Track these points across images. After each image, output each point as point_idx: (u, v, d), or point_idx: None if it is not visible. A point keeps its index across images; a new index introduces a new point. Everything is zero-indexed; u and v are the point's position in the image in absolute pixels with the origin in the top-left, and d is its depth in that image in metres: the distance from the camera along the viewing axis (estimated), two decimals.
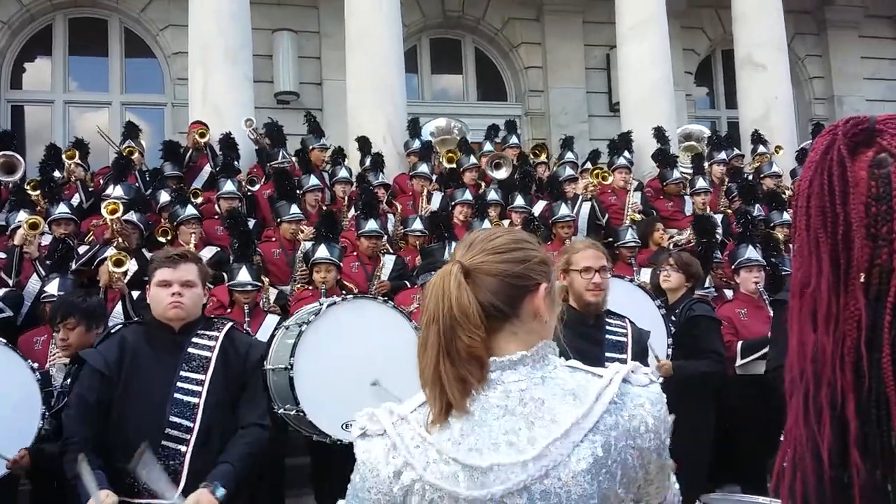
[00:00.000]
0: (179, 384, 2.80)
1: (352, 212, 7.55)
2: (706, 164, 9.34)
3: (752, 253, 5.69)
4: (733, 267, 5.76)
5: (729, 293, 6.18)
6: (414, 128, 9.46)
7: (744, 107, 11.21)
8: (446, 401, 1.27)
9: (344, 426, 3.98)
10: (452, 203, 7.69)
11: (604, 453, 1.24)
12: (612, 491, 1.26)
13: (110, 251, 5.78)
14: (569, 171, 8.62)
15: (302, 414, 4.04)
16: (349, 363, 4.08)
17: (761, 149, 9.98)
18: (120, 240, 6.19)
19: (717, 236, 7.05)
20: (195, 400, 2.79)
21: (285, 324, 4.56)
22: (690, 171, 9.02)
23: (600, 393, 1.28)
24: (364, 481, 1.31)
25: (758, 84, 10.92)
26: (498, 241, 1.36)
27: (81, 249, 6.22)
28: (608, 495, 1.25)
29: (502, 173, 8.86)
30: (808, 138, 11.24)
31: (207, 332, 2.94)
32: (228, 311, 5.40)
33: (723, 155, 9.43)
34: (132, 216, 6.52)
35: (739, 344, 5.09)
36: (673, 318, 4.50)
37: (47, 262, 5.85)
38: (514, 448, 1.24)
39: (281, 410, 4.17)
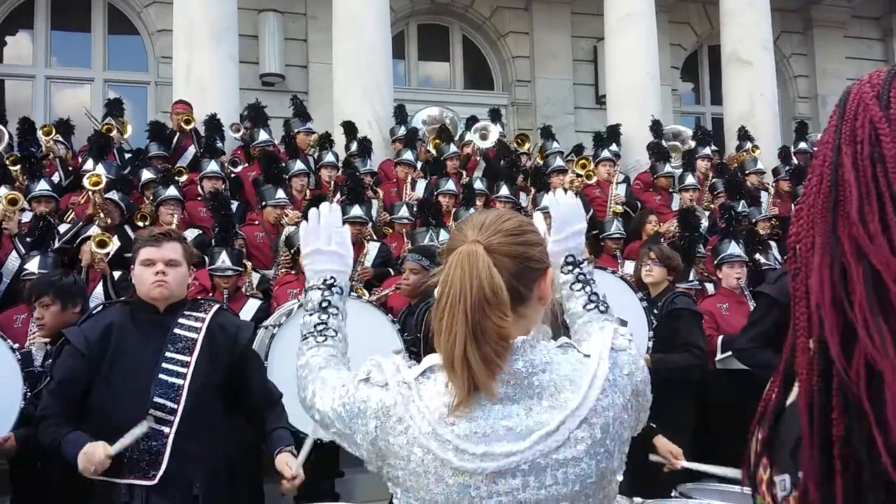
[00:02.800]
0: (164, 365, 2.76)
1: (336, 197, 7.50)
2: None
3: (734, 248, 5.73)
4: (716, 262, 5.80)
5: (711, 287, 6.23)
6: (400, 114, 9.41)
7: (729, 103, 11.27)
8: (473, 383, 1.25)
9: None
10: (436, 192, 7.66)
11: (602, 434, 1.27)
12: (609, 468, 1.28)
13: (93, 230, 5.72)
14: (558, 162, 8.62)
15: None
16: None
17: (748, 145, 10.05)
18: (101, 215, 6.12)
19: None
20: (180, 381, 2.75)
21: (264, 324, 4.51)
22: (679, 167, 9.08)
23: (594, 376, 1.29)
24: (358, 415, 1.34)
25: (743, 81, 10.98)
26: (509, 223, 1.36)
27: (62, 228, 6.13)
28: (605, 473, 1.28)
29: (488, 143, 8.97)
30: (792, 136, 11.34)
31: (194, 314, 2.90)
32: (210, 294, 5.36)
33: (707, 150, 9.48)
34: (114, 195, 6.45)
35: (720, 338, 5.13)
36: (655, 311, 4.53)
37: (27, 239, 5.76)
38: (512, 434, 1.25)
39: None
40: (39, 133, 7.65)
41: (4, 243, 5.89)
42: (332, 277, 1.65)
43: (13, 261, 5.61)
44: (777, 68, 11.71)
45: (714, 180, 8.95)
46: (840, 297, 0.97)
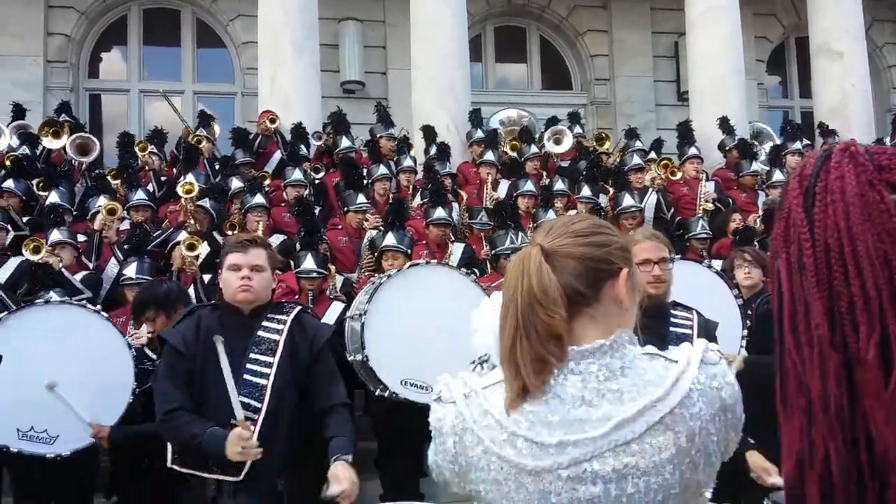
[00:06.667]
0: (249, 366, 2.86)
1: (416, 200, 7.59)
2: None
3: None
4: None
5: None
6: (476, 117, 9.45)
7: (819, 96, 10.87)
8: (522, 383, 1.25)
9: (402, 382, 4.08)
10: (515, 193, 7.66)
11: (687, 443, 1.22)
12: (694, 480, 1.24)
13: (182, 235, 5.96)
14: (635, 160, 8.50)
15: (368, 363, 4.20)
16: (420, 322, 4.21)
17: (831, 141, 9.68)
18: (192, 222, 6.37)
19: None
20: (264, 382, 2.85)
21: (348, 314, 4.69)
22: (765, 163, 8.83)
23: (678, 378, 1.25)
24: (434, 444, 1.35)
25: (834, 73, 10.56)
26: (578, 225, 1.35)
27: (156, 234, 6.41)
28: (689, 485, 1.23)
29: (562, 147, 8.97)
30: (887, 129, 10.85)
31: (277, 316, 2.99)
32: (296, 296, 5.50)
33: (798, 145, 9.16)
34: (206, 203, 6.70)
35: None
36: (748, 311, 4.40)
37: (125, 246, 6.04)
38: (588, 424, 1.23)
39: (377, 392, 4.35)
40: (136, 148, 8.01)
41: (104, 251, 6.21)
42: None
43: (112, 267, 5.90)
44: (869, 59, 11.23)
45: None
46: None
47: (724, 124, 9.36)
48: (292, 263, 5.74)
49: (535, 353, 1.25)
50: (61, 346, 3.81)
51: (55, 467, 3.78)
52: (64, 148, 7.99)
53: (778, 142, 9.82)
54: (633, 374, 1.26)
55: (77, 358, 3.81)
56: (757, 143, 9.92)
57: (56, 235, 5.87)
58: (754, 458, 2.95)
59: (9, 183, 6.94)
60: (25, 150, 7.87)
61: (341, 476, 2.59)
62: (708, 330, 3.16)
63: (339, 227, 6.96)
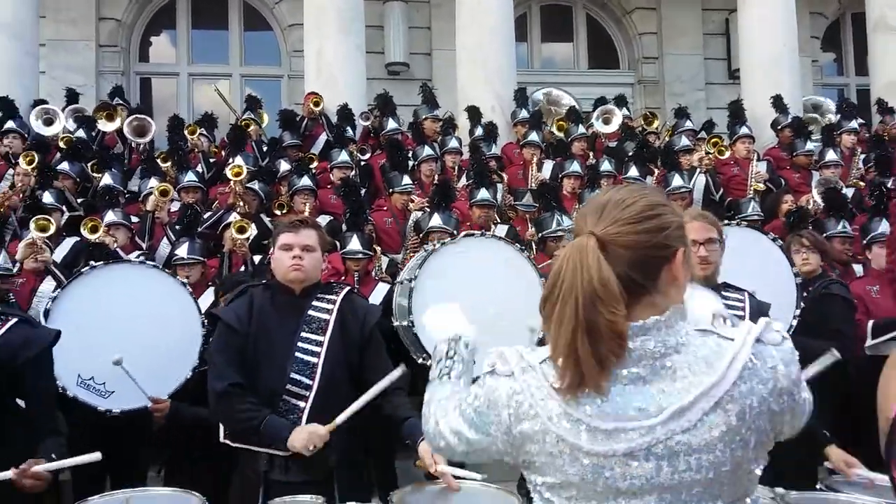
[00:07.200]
0: (300, 344, 2.90)
1: (461, 181, 7.58)
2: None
3: (885, 227, 5.36)
4: (865, 242, 5.45)
5: (859, 269, 5.86)
6: (521, 97, 9.38)
7: (876, 73, 10.55)
8: (581, 375, 1.25)
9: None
10: (561, 174, 7.60)
11: (738, 421, 1.22)
12: (745, 458, 1.24)
13: (233, 217, 6.04)
14: (684, 141, 8.35)
15: (413, 329, 4.27)
16: (467, 292, 4.16)
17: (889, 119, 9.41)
18: (241, 204, 6.46)
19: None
20: (314, 360, 2.88)
21: (398, 279, 4.79)
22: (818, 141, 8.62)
23: (733, 358, 1.25)
24: (489, 409, 1.34)
25: (891, 48, 10.26)
26: (632, 208, 1.31)
27: (207, 215, 6.51)
28: (741, 462, 1.24)
29: (611, 127, 8.91)
30: None
31: (327, 296, 3.03)
32: (342, 277, 5.54)
33: (854, 124, 8.90)
34: (255, 185, 6.78)
35: (870, 323, 4.80)
36: (805, 293, 4.32)
37: (176, 227, 6.15)
38: (644, 414, 1.23)
39: (420, 360, 4.40)
40: (185, 132, 8.14)
41: (157, 231, 6.34)
42: (457, 335, 1.75)
43: (165, 247, 6.02)
44: None
45: (863, 155, 8.42)
46: None
47: (778, 103, 9.16)
48: (338, 244, 5.78)
49: (597, 353, 1.24)
50: (142, 307, 3.91)
51: (108, 434, 3.80)
52: (118, 131, 8.16)
53: (834, 114, 9.57)
54: (687, 350, 1.27)
55: (153, 322, 3.89)
56: (818, 116, 9.67)
57: (111, 216, 6.01)
58: (836, 453, 2.94)
59: (64, 165, 7.12)
60: (82, 133, 8.06)
61: (438, 457, 2.64)
62: (760, 312, 3.11)
63: (385, 208, 6.98)
